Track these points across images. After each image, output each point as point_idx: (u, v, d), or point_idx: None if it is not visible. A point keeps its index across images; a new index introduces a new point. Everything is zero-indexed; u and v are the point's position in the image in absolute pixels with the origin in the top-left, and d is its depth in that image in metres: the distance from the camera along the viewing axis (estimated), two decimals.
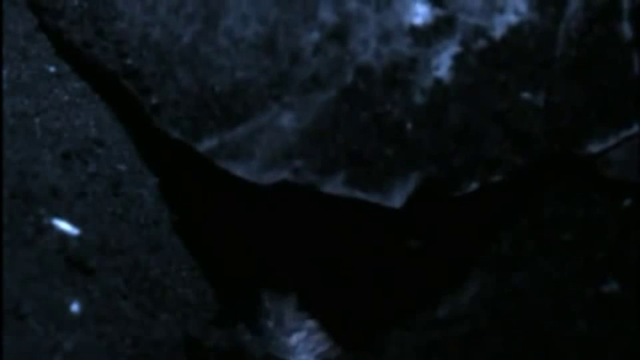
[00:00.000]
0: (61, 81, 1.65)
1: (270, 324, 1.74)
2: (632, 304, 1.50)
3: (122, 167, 1.61)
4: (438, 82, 1.51)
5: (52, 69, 1.66)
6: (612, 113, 1.54)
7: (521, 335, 1.50)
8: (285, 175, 1.52)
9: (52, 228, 1.49)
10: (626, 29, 1.53)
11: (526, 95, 1.51)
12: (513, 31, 1.52)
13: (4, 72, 1.62)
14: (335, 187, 1.52)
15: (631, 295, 1.50)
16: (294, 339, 1.71)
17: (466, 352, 1.51)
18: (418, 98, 1.51)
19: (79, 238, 1.50)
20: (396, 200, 1.51)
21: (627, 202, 1.56)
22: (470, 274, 1.60)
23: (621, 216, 1.56)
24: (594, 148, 1.54)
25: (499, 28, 1.51)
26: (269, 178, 1.53)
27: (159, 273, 1.55)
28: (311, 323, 1.72)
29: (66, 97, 1.64)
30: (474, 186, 1.52)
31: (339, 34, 1.52)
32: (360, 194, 1.51)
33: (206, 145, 1.54)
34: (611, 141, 1.54)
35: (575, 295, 1.52)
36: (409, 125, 1.50)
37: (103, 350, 1.42)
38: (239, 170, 1.54)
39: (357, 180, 1.51)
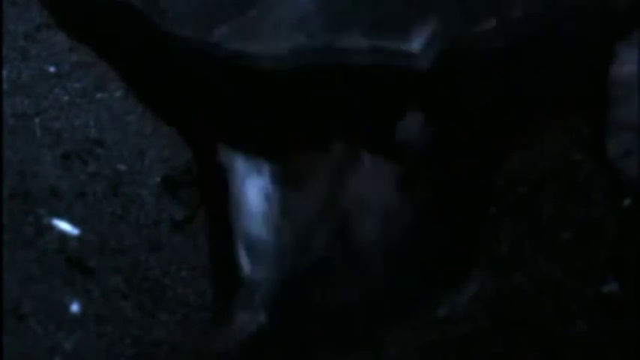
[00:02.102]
0: (61, 81, 1.65)
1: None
2: (632, 304, 1.50)
3: (122, 167, 1.61)
4: None
5: (52, 69, 1.66)
6: None
7: (521, 335, 1.50)
8: (299, 40, 1.51)
9: (52, 228, 1.49)
10: None
11: None
12: None
13: (4, 72, 1.62)
14: (353, 39, 1.50)
15: (631, 295, 1.50)
16: None
17: (466, 352, 1.51)
18: None
19: (78, 238, 1.50)
20: (415, 43, 1.50)
21: (627, 202, 1.57)
22: (470, 274, 1.60)
23: (621, 216, 1.56)
24: None
25: None
26: (283, 46, 1.52)
27: (159, 273, 1.55)
28: None
29: (66, 97, 1.64)
30: (493, 22, 1.51)
31: None
32: (378, 42, 1.50)
33: (217, 33, 1.53)
34: None
35: (575, 295, 1.52)
36: None
37: (102, 350, 1.42)
38: (251, 46, 1.53)
39: (375, 29, 1.50)
